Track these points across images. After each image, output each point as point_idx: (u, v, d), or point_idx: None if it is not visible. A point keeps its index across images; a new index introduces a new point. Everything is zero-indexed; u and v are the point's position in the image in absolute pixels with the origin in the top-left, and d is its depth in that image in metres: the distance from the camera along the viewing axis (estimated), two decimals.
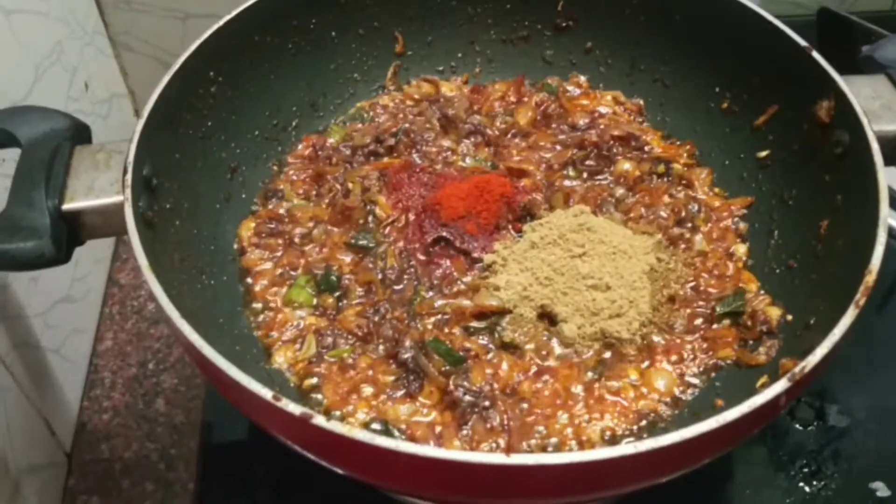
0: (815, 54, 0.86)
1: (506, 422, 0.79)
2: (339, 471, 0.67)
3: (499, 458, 0.57)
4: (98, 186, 0.78)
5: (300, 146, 1.06)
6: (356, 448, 0.59)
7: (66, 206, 0.77)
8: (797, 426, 0.92)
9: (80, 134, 0.83)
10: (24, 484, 0.91)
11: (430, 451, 0.58)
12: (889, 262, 0.70)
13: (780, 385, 0.62)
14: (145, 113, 0.80)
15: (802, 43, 0.87)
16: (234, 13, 0.93)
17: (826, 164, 0.84)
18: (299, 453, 0.66)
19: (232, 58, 0.95)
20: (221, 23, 0.92)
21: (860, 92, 0.82)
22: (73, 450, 1.05)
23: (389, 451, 0.58)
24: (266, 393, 0.61)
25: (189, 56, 0.88)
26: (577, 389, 0.82)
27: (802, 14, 1.36)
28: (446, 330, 0.86)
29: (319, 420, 0.59)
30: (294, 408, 0.60)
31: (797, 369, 0.63)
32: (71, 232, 0.77)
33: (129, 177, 0.75)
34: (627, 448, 0.58)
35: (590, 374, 0.83)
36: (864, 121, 0.78)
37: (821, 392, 0.94)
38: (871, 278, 0.68)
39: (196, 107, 0.91)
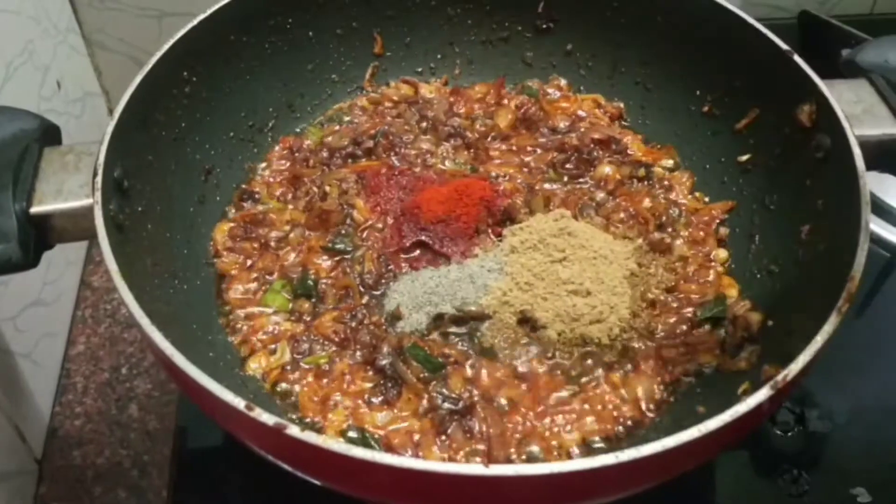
0: (797, 58, 0.85)
1: (485, 429, 0.78)
2: (316, 481, 0.66)
3: (477, 470, 0.56)
4: (67, 189, 0.76)
5: (276, 148, 1.04)
6: (331, 459, 0.58)
7: (34, 210, 0.75)
8: (777, 431, 0.92)
9: (49, 135, 0.81)
10: None
11: (406, 462, 0.57)
12: (870, 266, 0.69)
13: (763, 393, 0.61)
14: (116, 114, 0.79)
15: (784, 46, 0.87)
16: (208, 12, 0.92)
17: (807, 169, 0.84)
18: (274, 463, 0.65)
19: (206, 57, 0.93)
20: (195, 22, 0.91)
21: (842, 96, 0.82)
22: (44, 456, 1.04)
23: (366, 462, 0.57)
24: (239, 402, 0.60)
25: (162, 56, 0.86)
26: (557, 396, 0.81)
27: (783, 17, 1.36)
28: (425, 336, 0.85)
29: (293, 430, 0.58)
30: (267, 418, 0.59)
31: (780, 377, 0.62)
32: (39, 236, 0.76)
33: (99, 179, 0.73)
34: (608, 458, 0.57)
35: (570, 380, 0.82)
36: (846, 125, 0.78)
37: (801, 397, 0.93)
38: (853, 284, 0.68)
39: (169, 107, 0.90)
